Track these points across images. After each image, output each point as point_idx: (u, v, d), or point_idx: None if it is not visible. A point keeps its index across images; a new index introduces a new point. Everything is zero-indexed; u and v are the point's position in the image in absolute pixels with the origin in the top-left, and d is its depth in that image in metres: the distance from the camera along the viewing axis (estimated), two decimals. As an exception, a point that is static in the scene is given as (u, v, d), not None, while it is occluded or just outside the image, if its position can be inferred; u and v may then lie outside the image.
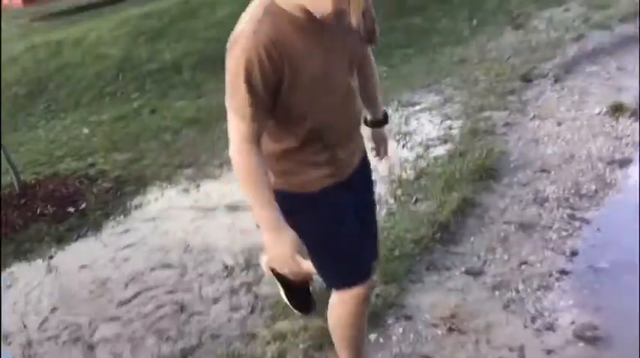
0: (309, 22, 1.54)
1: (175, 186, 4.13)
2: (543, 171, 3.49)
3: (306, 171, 1.75)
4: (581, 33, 5.58)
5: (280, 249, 1.61)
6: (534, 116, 4.21)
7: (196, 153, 4.53)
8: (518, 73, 4.92)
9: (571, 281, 2.60)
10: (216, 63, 6.46)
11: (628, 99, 4.16)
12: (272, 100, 1.58)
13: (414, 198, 3.32)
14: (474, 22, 6.62)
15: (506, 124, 4.13)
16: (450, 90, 4.86)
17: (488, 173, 3.46)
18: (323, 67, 1.60)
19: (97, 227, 3.75)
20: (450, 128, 4.19)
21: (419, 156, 3.84)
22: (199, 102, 5.65)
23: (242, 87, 1.52)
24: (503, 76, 4.90)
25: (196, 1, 7.85)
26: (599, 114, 4.06)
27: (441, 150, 3.87)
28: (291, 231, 1.62)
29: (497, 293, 2.57)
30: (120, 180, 4.32)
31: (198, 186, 4.08)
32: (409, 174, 3.61)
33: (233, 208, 3.67)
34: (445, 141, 3.99)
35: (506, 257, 2.80)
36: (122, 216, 3.84)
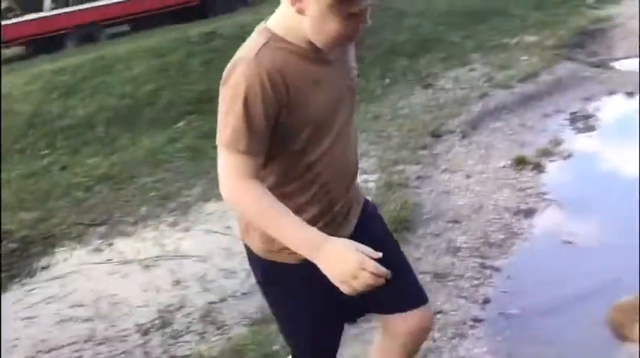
0: (315, 54, 1.44)
1: (86, 245, 3.97)
2: (455, 221, 3.62)
3: None
4: (484, 92, 5.89)
5: (344, 265, 1.31)
6: (445, 169, 4.39)
7: (109, 211, 4.40)
8: (429, 129, 5.13)
9: (484, 329, 2.68)
10: (131, 119, 6.42)
11: (530, 153, 4.42)
12: (269, 134, 1.41)
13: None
14: (386, 81, 6.87)
15: (419, 177, 4.28)
16: (366, 145, 4.99)
17: (403, 224, 3.55)
18: (328, 101, 1.49)
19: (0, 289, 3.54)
20: (367, 181, 4.29)
21: (336, 210, 3.89)
22: (113, 159, 5.52)
23: (240, 116, 1.35)
24: (414, 132, 5.09)
25: (111, 57, 7.77)
26: (503, 167, 4.29)
27: (357, 204, 3.94)
28: (337, 239, 1.37)
29: (414, 343, 2.61)
30: (27, 240, 4.10)
31: (110, 244, 3.94)
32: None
33: (148, 266, 3.56)
34: (362, 195, 4.07)
35: (422, 307, 2.85)
36: (28, 278, 3.64)
